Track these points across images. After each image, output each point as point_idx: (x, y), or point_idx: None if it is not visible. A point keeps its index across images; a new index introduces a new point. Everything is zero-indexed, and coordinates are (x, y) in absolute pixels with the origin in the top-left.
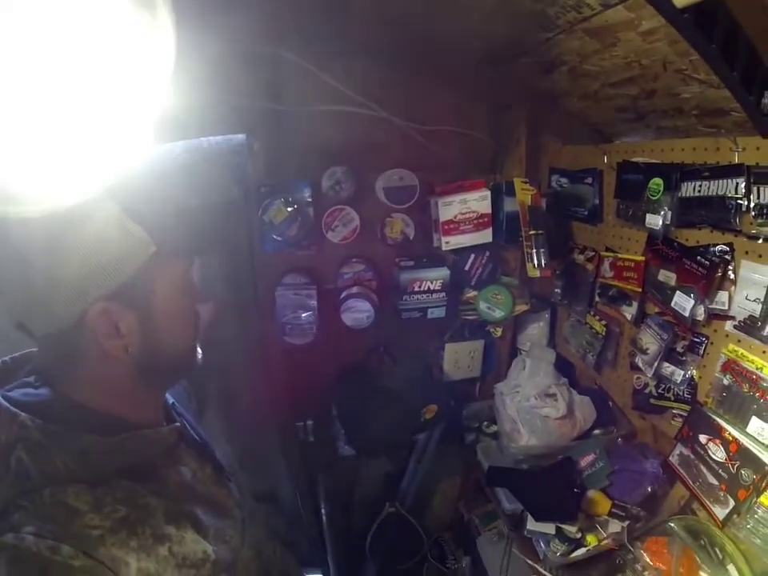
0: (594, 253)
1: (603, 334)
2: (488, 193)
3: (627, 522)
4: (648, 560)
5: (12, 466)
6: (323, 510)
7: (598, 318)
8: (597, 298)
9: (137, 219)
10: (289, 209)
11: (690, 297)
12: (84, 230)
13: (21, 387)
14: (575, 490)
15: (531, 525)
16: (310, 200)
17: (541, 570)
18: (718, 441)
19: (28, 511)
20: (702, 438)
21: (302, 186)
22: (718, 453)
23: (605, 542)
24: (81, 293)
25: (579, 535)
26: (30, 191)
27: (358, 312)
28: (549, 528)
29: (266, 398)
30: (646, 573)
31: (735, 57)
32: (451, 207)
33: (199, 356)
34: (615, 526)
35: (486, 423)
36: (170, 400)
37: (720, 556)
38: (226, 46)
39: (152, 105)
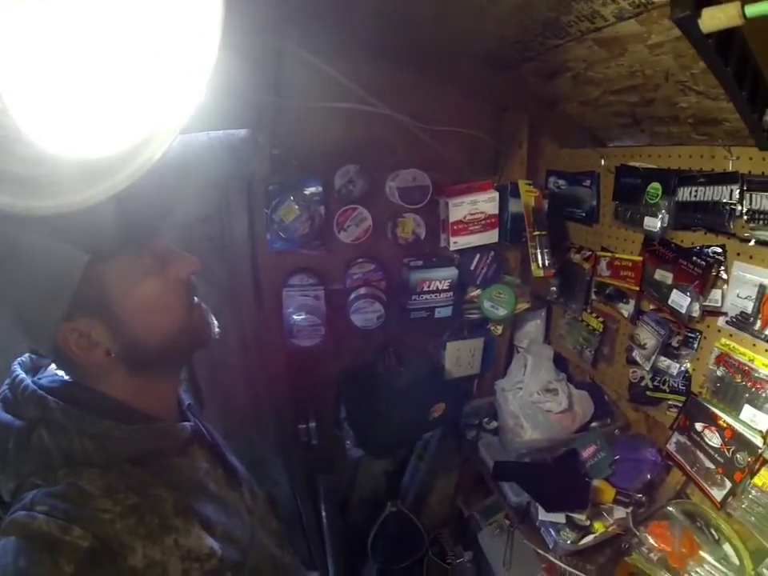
0: (590, 252)
1: (600, 330)
2: (496, 194)
3: (631, 508)
4: (653, 542)
5: (33, 443)
6: (323, 512)
7: (594, 315)
8: (593, 296)
9: (61, 235)
10: (299, 207)
11: (687, 295)
12: (12, 267)
13: (51, 375)
14: (586, 479)
15: (542, 515)
16: (321, 198)
17: (552, 558)
18: (713, 428)
19: (42, 490)
20: (698, 426)
21: (313, 183)
22: (713, 439)
23: (611, 528)
24: (38, 325)
25: (588, 523)
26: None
27: (369, 312)
28: (559, 517)
29: (266, 397)
30: (651, 554)
31: (744, 78)
32: (461, 208)
33: (215, 326)
34: (620, 513)
35: (486, 420)
36: (187, 401)
37: (716, 536)
38: (239, 39)
39: (180, 116)
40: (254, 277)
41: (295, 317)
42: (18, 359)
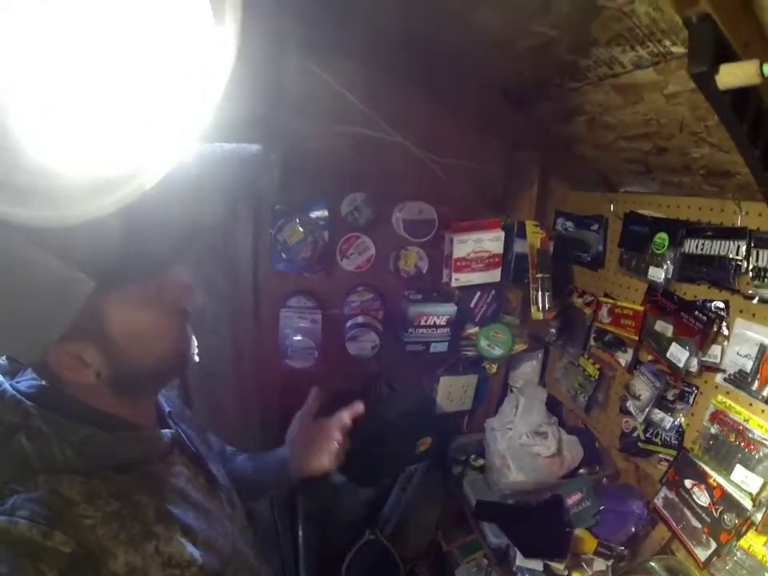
0: (592, 298)
1: (596, 377)
2: (502, 233)
3: (612, 561)
4: None
5: (12, 449)
6: (300, 532)
7: (591, 361)
8: (592, 342)
9: (69, 257)
10: (303, 230)
11: (686, 349)
12: (11, 283)
13: (30, 380)
14: (566, 528)
15: (520, 561)
16: (326, 223)
17: None
18: (702, 486)
19: (22, 495)
20: (688, 483)
21: (320, 207)
22: (702, 497)
23: None
24: (29, 344)
25: (566, 573)
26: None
27: (365, 342)
28: (537, 564)
29: (254, 413)
30: None
31: (758, 136)
32: (466, 245)
33: (195, 353)
34: (600, 564)
35: (473, 456)
36: (167, 408)
37: None
38: (257, 54)
39: (197, 125)
40: (254, 293)
41: (290, 338)
42: None
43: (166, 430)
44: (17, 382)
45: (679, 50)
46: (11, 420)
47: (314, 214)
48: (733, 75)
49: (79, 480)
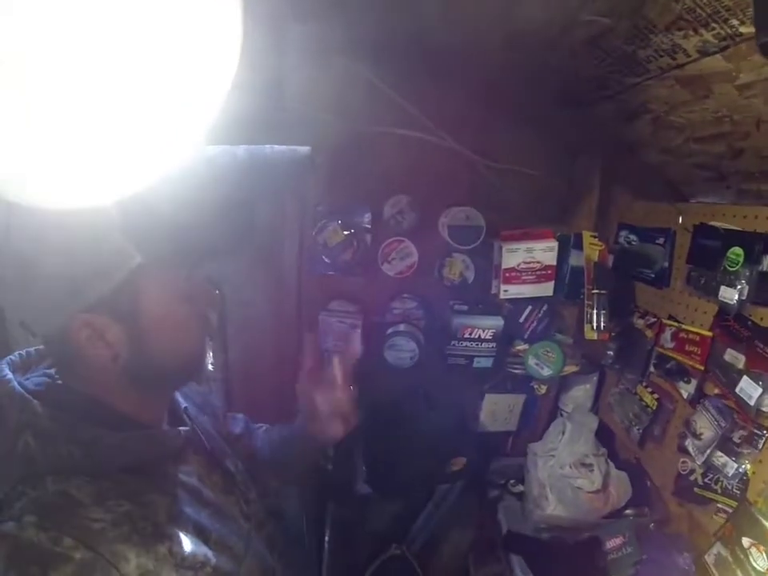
0: (655, 319)
1: (654, 408)
2: (556, 244)
3: None
4: None
5: (19, 449)
6: (327, 538)
7: (650, 390)
8: (652, 369)
9: (122, 227)
10: (345, 232)
11: (759, 384)
12: (60, 238)
13: (39, 377)
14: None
15: None
16: (369, 226)
17: None
18: (762, 548)
19: (30, 499)
20: (745, 542)
21: (363, 210)
22: (760, 560)
23: None
24: (58, 304)
25: None
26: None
27: (403, 351)
28: None
29: (292, 413)
30: None
31: None
32: (516, 255)
33: (210, 362)
34: None
35: (512, 482)
36: (183, 404)
37: None
38: (301, 54)
39: (206, 109)
40: (298, 295)
41: (328, 342)
42: (8, 358)
43: (179, 428)
44: (25, 379)
45: (749, 29)
46: (18, 419)
47: (357, 217)
48: None
49: (88, 481)
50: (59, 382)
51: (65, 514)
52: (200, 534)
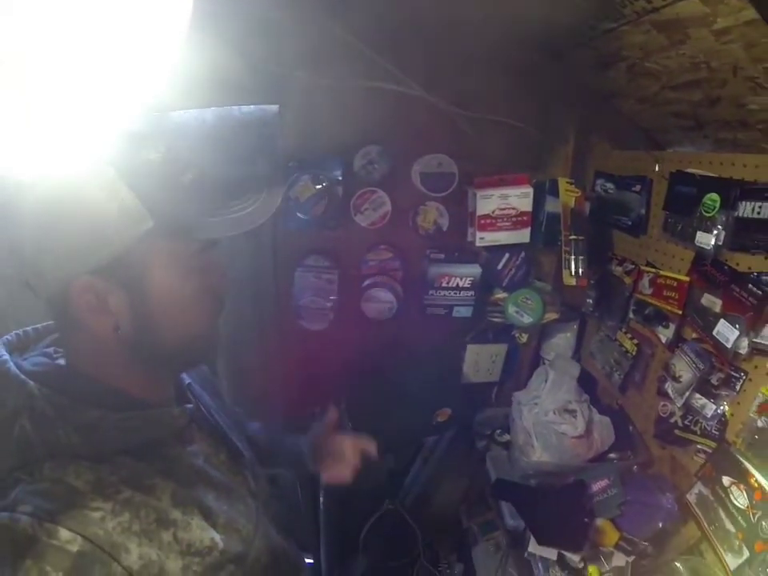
0: (633, 266)
1: (633, 353)
2: (531, 190)
3: (633, 557)
4: None
5: (15, 434)
6: (321, 499)
7: (629, 335)
8: (631, 315)
9: (136, 188)
10: (317, 186)
11: (735, 327)
12: (71, 195)
13: (37, 357)
14: (585, 519)
15: (533, 547)
16: (340, 179)
17: None
18: (742, 486)
19: (26, 487)
20: (725, 480)
21: (333, 163)
22: (740, 498)
23: (607, 575)
24: (62, 263)
25: (581, 565)
26: (22, 150)
27: (380, 302)
28: (551, 553)
29: (278, 378)
30: None
31: None
32: (490, 201)
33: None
34: (620, 560)
35: (498, 431)
36: (187, 380)
37: None
38: (266, 10)
39: (163, 58)
40: (273, 252)
41: (304, 298)
42: (4, 337)
43: (184, 406)
44: (23, 359)
45: None
46: (15, 402)
47: (328, 170)
48: None
49: (87, 466)
50: (58, 361)
51: (61, 503)
52: (207, 517)
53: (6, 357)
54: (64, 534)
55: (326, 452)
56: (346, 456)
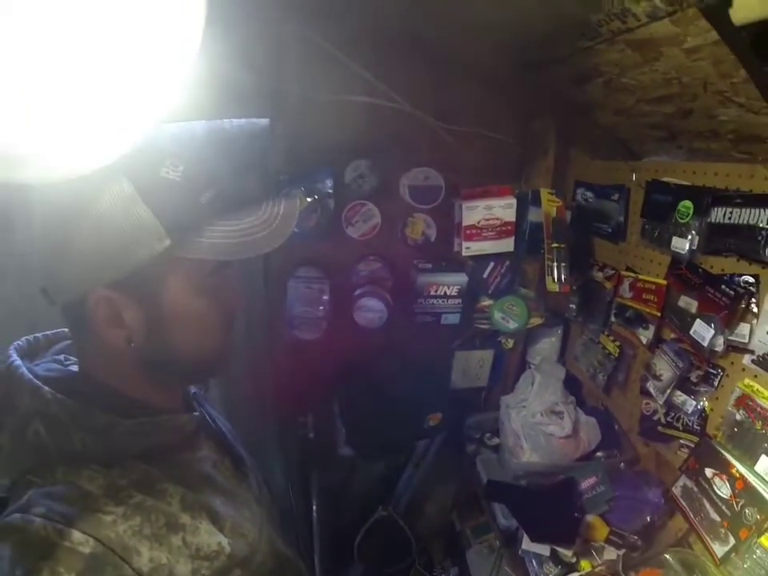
0: (613, 271)
1: (616, 355)
2: (514, 200)
3: (623, 551)
4: None
5: (28, 437)
6: (314, 506)
7: (612, 338)
8: (613, 318)
9: (154, 206)
10: (308, 199)
11: (710, 326)
12: (90, 209)
13: (49, 363)
14: (576, 514)
15: (526, 544)
16: (331, 191)
17: None
18: (724, 476)
19: (39, 490)
20: (708, 472)
21: (324, 176)
22: (723, 489)
23: (599, 568)
24: (80, 275)
25: (574, 560)
26: (34, 156)
27: (371, 311)
28: (544, 549)
29: (268, 387)
30: None
31: None
32: (475, 212)
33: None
34: (611, 554)
35: (488, 435)
36: (192, 389)
37: None
38: (257, 25)
39: (177, 73)
40: (265, 264)
41: (298, 309)
42: (15, 343)
43: (192, 414)
44: (35, 365)
45: None
46: (28, 406)
47: (319, 182)
48: (748, 8)
49: (99, 471)
50: (70, 368)
51: (74, 506)
52: (214, 521)
53: (19, 362)
54: (76, 536)
55: None
56: None
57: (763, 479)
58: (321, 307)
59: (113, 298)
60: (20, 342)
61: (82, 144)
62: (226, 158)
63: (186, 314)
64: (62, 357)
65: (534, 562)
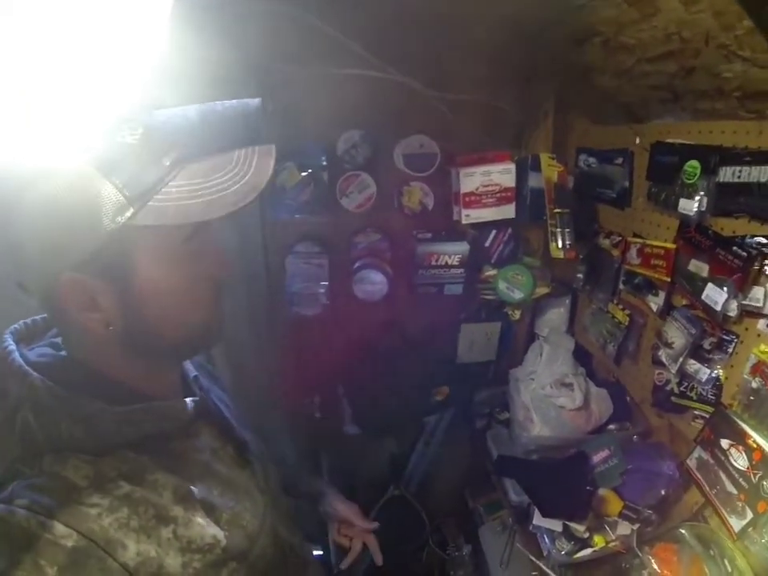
0: (620, 238)
1: (626, 324)
2: (512, 165)
3: (637, 525)
4: (655, 567)
5: (18, 425)
6: None
7: (621, 306)
8: (621, 286)
9: (113, 175)
10: (302, 173)
11: (723, 290)
12: (40, 187)
13: (43, 348)
14: (588, 488)
15: (537, 520)
16: (324, 164)
17: (543, 567)
18: (740, 447)
19: (25, 479)
20: (724, 443)
21: (317, 149)
22: (739, 460)
23: (612, 543)
24: (43, 261)
25: (587, 535)
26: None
27: (371, 284)
28: (556, 525)
29: (273, 368)
30: None
31: None
32: (473, 178)
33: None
34: (624, 528)
35: (497, 409)
36: (193, 373)
37: (729, 569)
38: (245, 3)
39: (146, 53)
40: (263, 242)
41: (297, 285)
42: (12, 327)
43: (189, 399)
44: (29, 350)
45: None
46: (18, 393)
47: (312, 156)
48: None
49: (87, 461)
50: (62, 353)
51: (58, 498)
52: (210, 513)
53: (13, 347)
54: (59, 528)
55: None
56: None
57: None
58: (319, 282)
59: (83, 281)
60: (17, 326)
61: (40, 125)
62: (210, 138)
63: (163, 288)
64: (58, 340)
65: (546, 538)
